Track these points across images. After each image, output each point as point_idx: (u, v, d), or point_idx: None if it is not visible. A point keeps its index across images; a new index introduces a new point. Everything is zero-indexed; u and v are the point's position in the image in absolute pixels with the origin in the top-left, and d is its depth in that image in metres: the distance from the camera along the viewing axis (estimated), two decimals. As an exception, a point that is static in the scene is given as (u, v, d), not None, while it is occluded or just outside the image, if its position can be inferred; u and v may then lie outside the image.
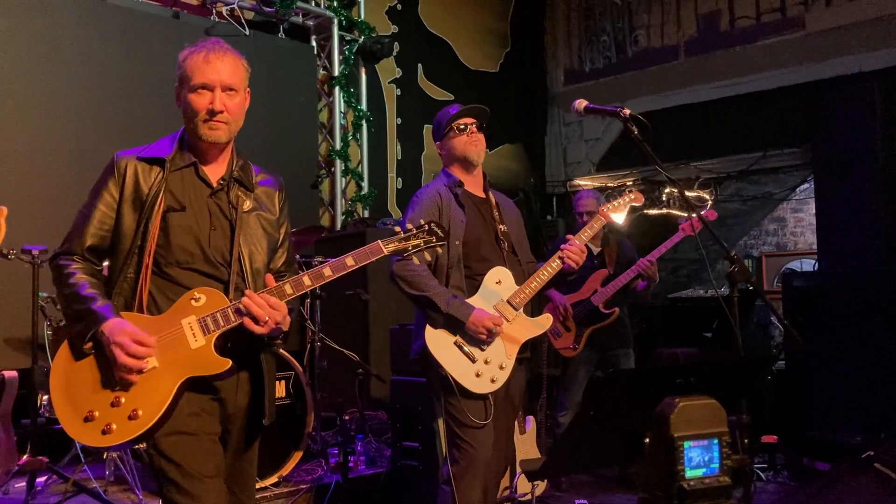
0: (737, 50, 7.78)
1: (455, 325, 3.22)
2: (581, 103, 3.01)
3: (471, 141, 3.47)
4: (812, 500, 3.54)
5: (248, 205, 2.52)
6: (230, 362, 2.32)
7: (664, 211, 8.31)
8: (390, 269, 3.32)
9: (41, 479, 4.15)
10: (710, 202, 8.07)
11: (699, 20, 8.13)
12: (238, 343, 2.41)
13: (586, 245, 5.42)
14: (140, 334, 2.25)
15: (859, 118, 5.77)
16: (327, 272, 2.42)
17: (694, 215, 4.45)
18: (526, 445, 4.71)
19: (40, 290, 4.23)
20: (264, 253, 2.52)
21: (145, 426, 2.23)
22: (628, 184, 8.58)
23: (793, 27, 7.42)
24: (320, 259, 5.18)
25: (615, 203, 3.63)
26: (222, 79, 2.42)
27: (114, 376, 2.26)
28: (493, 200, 3.60)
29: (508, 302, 3.35)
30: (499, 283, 3.39)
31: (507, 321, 3.30)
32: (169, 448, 2.31)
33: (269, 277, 2.42)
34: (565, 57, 9.27)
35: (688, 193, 8.07)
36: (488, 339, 3.24)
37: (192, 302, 2.33)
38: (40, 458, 3.89)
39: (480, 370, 3.22)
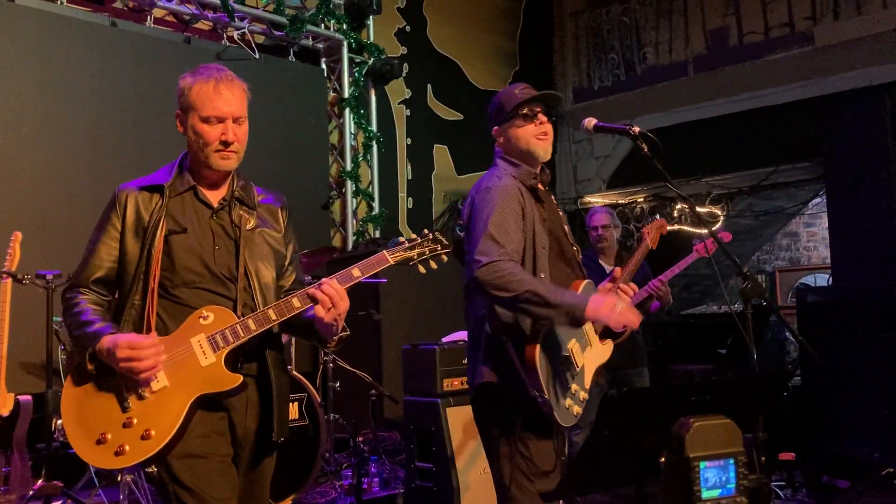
0: (745, 65, 7.78)
1: (556, 347, 2.72)
2: (590, 122, 2.96)
3: (539, 132, 2.89)
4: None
5: (251, 223, 2.52)
6: (241, 378, 2.32)
7: (676, 227, 8.29)
8: (473, 278, 2.70)
9: (57, 504, 4.16)
10: (721, 218, 8.05)
11: (707, 36, 8.15)
12: (248, 363, 2.42)
13: (600, 264, 5.40)
14: (134, 338, 2.24)
15: (870, 131, 5.77)
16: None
17: (708, 236, 4.49)
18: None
19: (54, 315, 4.25)
20: (272, 269, 2.52)
21: (158, 446, 2.22)
22: (639, 200, 8.57)
23: (802, 42, 7.42)
24: (332, 280, 5.18)
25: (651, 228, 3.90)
26: (233, 110, 2.44)
27: (124, 398, 2.26)
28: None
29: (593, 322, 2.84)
30: None
31: (591, 345, 2.90)
32: (182, 472, 2.29)
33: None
34: (574, 75, 9.30)
35: (699, 210, 8.07)
36: (619, 328, 2.70)
37: (201, 320, 2.34)
38: (55, 482, 3.89)
39: (569, 402, 2.75)
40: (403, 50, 7.98)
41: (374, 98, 7.39)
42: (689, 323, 7.16)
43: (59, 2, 5.64)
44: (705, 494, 1.19)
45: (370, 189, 7.32)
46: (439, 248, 2.55)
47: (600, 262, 5.50)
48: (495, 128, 2.98)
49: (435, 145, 8.15)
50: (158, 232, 2.40)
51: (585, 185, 9.08)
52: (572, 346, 2.81)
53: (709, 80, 8.05)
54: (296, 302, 2.38)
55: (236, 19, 6.42)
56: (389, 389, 5.46)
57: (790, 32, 7.55)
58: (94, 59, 5.71)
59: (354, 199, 7.21)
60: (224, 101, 2.43)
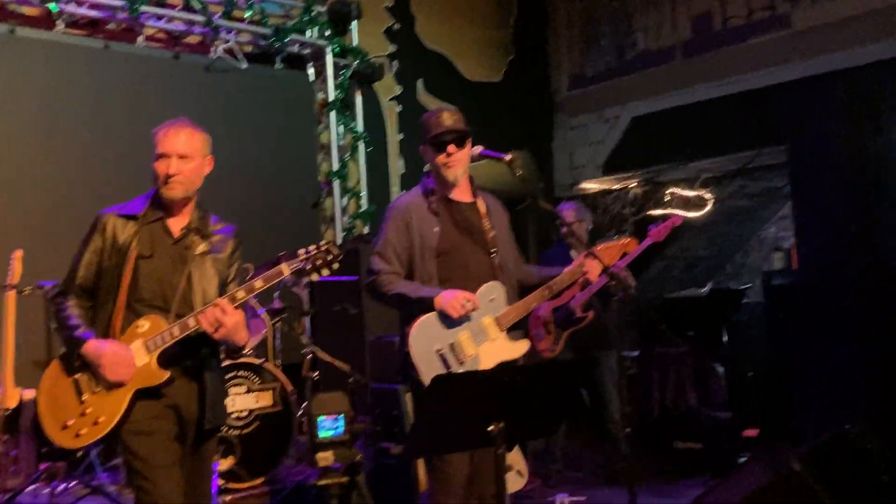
0: (729, 49, 8.32)
1: (438, 333, 3.42)
2: (476, 149, 3.66)
3: (448, 163, 3.62)
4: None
5: (202, 248, 3.33)
6: (168, 373, 3.12)
7: (667, 211, 8.92)
8: (364, 288, 3.58)
9: (58, 484, 5.06)
10: (710, 201, 8.65)
11: (693, 21, 8.70)
12: (185, 363, 3.22)
13: (569, 254, 6.11)
14: (118, 349, 3.05)
15: (825, 117, 6.29)
16: (240, 294, 3.16)
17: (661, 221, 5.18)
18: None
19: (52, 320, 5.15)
20: (215, 288, 3.32)
21: (106, 430, 3.06)
22: (632, 185, 9.21)
23: (781, 26, 7.94)
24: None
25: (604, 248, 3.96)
26: (176, 148, 3.24)
27: (81, 392, 3.09)
28: (483, 205, 3.74)
29: (496, 320, 3.54)
30: (492, 301, 3.54)
31: (490, 340, 3.52)
32: (133, 444, 3.13)
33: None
34: (568, 62, 9.92)
35: (687, 193, 8.69)
36: (463, 319, 3.42)
37: (138, 329, 3.15)
38: (58, 464, 4.78)
39: None
40: (392, 48, 8.69)
41: (359, 99, 8.13)
42: (670, 306, 7.78)
43: (56, 30, 6.50)
44: (321, 434, 1.95)
45: (358, 186, 8.08)
46: (330, 258, 3.22)
47: (570, 254, 6.29)
48: (421, 146, 3.73)
49: (427, 139, 8.86)
50: (130, 255, 3.22)
51: (581, 172, 9.73)
52: (462, 336, 3.49)
53: (695, 65, 8.62)
54: (191, 322, 3.12)
55: (223, 32, 7.20)
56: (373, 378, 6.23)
57: (771, 15, 8.07)
58: (90, 81, 6.50)
59: (343, 197, 7.99)
60: (169, 142, 3.25)
